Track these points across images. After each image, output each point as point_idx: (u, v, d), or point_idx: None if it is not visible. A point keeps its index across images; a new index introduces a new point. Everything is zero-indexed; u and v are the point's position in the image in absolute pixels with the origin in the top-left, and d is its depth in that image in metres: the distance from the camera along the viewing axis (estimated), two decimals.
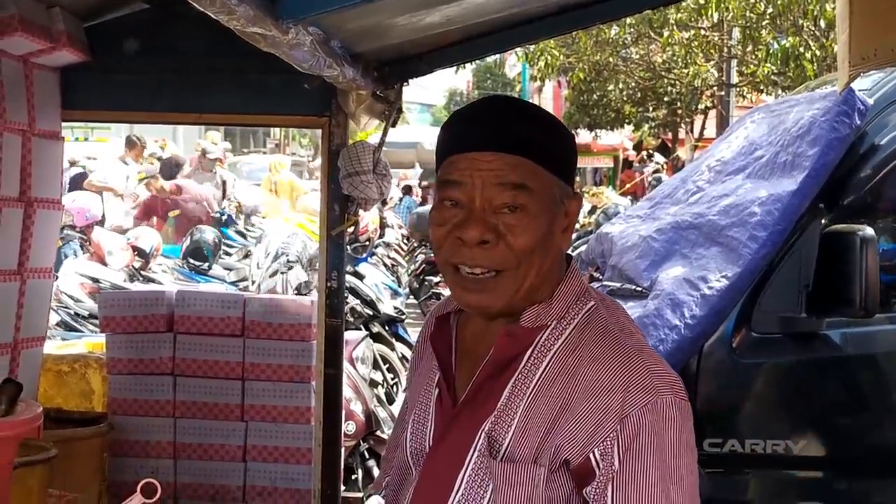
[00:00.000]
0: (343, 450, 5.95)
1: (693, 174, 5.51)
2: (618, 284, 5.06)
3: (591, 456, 1.80)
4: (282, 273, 8.91)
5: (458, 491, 1.92)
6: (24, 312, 3.51)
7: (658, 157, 25.27)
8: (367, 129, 3.87)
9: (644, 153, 27.96)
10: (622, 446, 1.79)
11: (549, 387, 1.88)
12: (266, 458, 3.64)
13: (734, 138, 5.50)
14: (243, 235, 13.17)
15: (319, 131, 3.71)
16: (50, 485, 2.65)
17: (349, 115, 3.57)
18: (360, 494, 4.12)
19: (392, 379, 9.40)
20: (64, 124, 3.79)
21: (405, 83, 3.89)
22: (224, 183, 15.44)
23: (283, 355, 3.64)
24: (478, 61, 33.55)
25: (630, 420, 1.79)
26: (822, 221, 4.42)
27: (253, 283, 9.52)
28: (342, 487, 5.99)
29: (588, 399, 1.82)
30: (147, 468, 3.67)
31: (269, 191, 16.88)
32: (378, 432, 6.33)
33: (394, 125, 3.77)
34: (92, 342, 4.79)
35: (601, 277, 5.51)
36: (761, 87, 19.34)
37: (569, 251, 2.05)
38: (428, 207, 18.06)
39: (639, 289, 4.85)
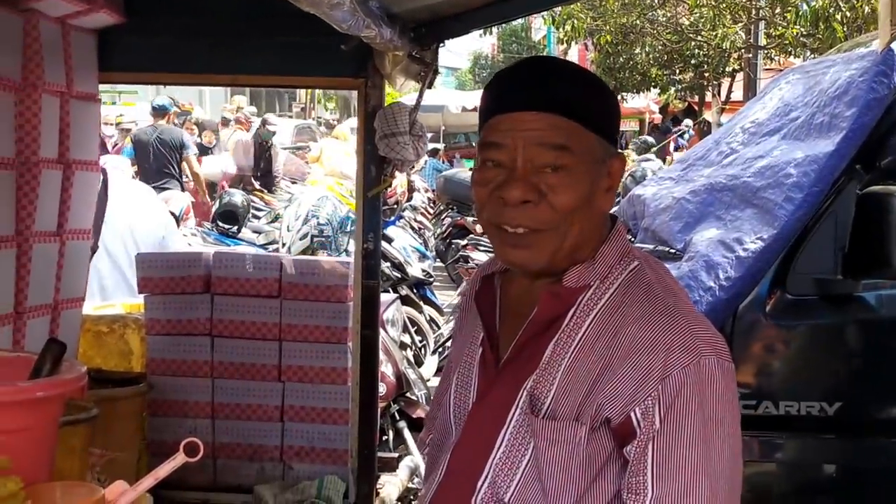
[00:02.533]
0: None
1: (726, 136, 5.48)
2: (650, 246, 5.04)
3: (633, 415, 1.80)
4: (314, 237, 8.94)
5: (499, 448, 1.93)
6: (63, 273, 3.53)
7: (687, 121, 25.12)
8: (403, 91, 3.86)
9: (669, 121, 27.79)
10: (663, 406, 1.79)
11: (592, 346, 1.88)
12: (303, 418, 3.65)
13: (768, 100, 5.46)
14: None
15: (346, 93, 3.70)
16: (92, 444, 2.67)
17: (385, 77, 3.56)
18: (395, 455, 4.13)
19: (420, 342, 9.43)
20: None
21: (441, 44, 3.88)
22: (260, 145, 15.61)
23: (320, 316, 3.65)
24: (503, 25, 33.40)
25: (671, 380, 1.79)
26: (859, 183, 4.38)
27: (283, 245, 9.54)
28: None
29: (630, 358, 1.82)
30: (186, 428, 3.70)
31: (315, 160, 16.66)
32: (408, 394, 6.35)
33: (430, 86, 3.76)
34: (129, 303, 4.82)
35: (633, 240, 5.49)
36: (790, 50, 19.19)
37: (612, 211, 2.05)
38: (455, 170, 18.03)
39: (672, 251, 4.83)
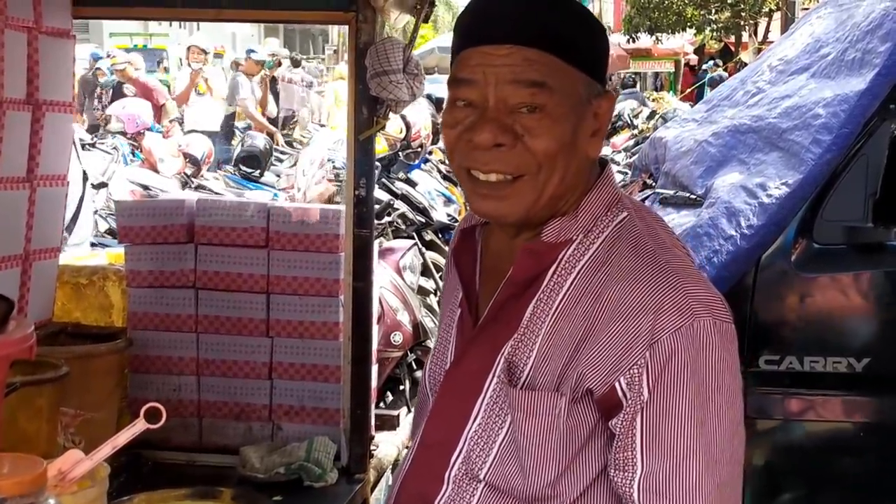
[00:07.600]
0: (391, 361, 5.86)
1: (753, 75, 5.26)
2: (671, 192, 4.88)
3: (617, 385, 1.64)
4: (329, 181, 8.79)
5: (475, 419, 1.78)
6: (35, 222, 3.33)
7: (709, 63, 25.05)
8: (398, 25, 3.61)
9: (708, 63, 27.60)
10: (652, 374, 1.62)
11: (573, 308, 1.70)
12: (293, 375, 3.44)
13: (798, 36, 5.23)
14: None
15: None
16: (64, 403, 2.51)
17: (377, 10, 3.31)
18: (395, 412, 3.94)
19: None
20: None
21: None
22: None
23: (310, 268, 3.42)
24: None
25: (661, 345, 1.61)
26: (893, 123, 4.17)
27: (299, 190, 9.40)
28: (390, 398, 5.91)
29: (615, 321, 1.65)
30: (170, 385, 3.50)
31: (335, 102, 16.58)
32: (426, 342, 6.26)
33: (426, 21, 3.49)
34: (115, 253, 4.63)
35: (654, 184, 5.31)
36: None
37: (607, 157, 1.84)
38: None
39: (693, 196, 4.66)
